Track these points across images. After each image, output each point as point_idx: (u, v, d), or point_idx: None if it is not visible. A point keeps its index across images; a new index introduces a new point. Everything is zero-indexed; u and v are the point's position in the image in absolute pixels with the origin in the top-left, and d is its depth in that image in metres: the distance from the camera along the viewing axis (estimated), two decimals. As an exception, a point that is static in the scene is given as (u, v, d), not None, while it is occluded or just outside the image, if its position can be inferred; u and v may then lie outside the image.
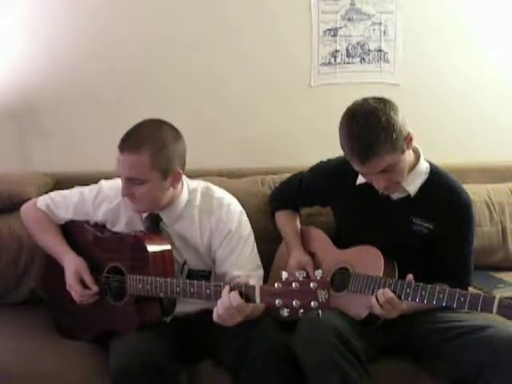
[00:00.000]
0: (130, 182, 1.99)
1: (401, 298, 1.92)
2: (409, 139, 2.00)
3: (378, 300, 1.92)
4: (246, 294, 1.75)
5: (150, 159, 1.96)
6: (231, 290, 1.78)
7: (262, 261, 2.19)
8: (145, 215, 2.12)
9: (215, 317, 1.82)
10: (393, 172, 1.99)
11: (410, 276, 1.92)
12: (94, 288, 2.05)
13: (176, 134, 2.04)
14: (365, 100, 2.00)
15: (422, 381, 2.07)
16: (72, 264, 2.09)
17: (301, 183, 2.43)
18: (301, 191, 2.43)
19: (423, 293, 1.89)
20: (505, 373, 1.87)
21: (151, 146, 1.96)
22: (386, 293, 1.91)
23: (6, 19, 2.67)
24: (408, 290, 1.91)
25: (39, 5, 2.68)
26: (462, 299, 1.83)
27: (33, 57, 2.70)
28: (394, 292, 1.92)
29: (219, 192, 2.20)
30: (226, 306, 1.77)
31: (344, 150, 2.01)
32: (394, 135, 1.92)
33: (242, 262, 2.10)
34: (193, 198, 2.13)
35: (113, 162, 2.54)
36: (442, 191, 2.09)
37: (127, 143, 1.97)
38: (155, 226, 2.11)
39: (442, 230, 2.08)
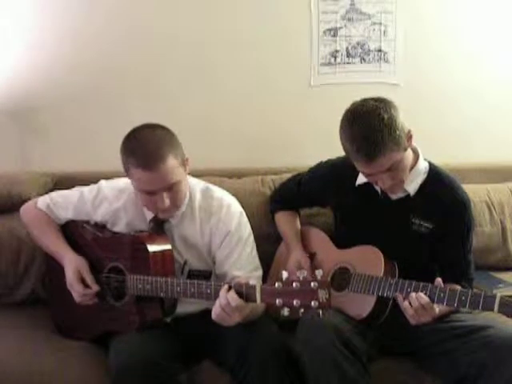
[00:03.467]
0: (170, 189, 1.97)
1: (433, 302, 1.89)
2: (409, 137, 2.00)
3: (410, 304, 1.89)
4: (247, 293, 1.75)
5: (175, 156, 1.96)
6: (229, 289, 1.78)
7: (261, 261, 2.19)
8: (150, 217, 2.12)
9: (213, 316, 1.83)
10: (397, 170, 1.99)
11: (438, 279, 1.91)
12: (95, 287, 2.05)
13: (162, 126, 2.04)
14: (364, 100, 2.01)
15: (422, 381, 2.06)
16: (72, 263, 2.08)
17: (300, 184, 2.44)
18: (300, 192, 2.43)
19: (424, 292, 1.88)
20: (505, 373, 1.87)
21: (169, 148, 1.95)
22: (420, 297, 1.88)
23: (5, 19, 2.67)
24: (442, 295, 1.87)
25: (39, 5, 2.69)
26: (464, 298, 1.83)
27: (32, 57, 2.71)
28: (428, 296, 1.89)
29: (219, 192, 2.20)
30: (223, 305, 1.78)
31: (348, 153, 2.01)
32: (397, 132, 1.93)
33: (241, 262, 2.10)
34: (193, 197, 2.14)
35: (113, 162, 2.55)
36: (441, 191, 2.09)
37: (151, 159, 1.92)
38: (159, 227, 2.10)
39: (441, 230, 2.08)
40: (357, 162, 2.00)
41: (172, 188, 1.97)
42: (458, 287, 1.94)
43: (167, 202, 1.97)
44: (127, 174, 2.00)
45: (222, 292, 1.79)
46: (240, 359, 1.96)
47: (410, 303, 1.89)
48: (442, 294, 1.86)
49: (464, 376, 1.95)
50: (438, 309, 1.90)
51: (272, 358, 1.95)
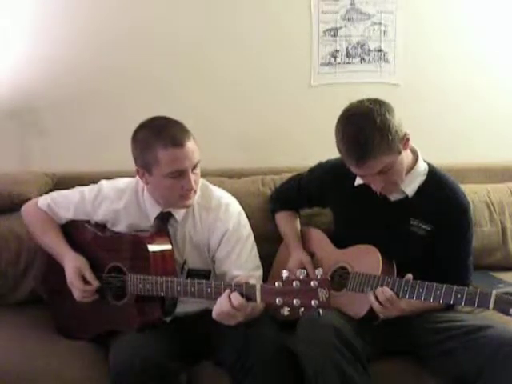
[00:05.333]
0: (193, 170, 2.02)
1: (399, 296, 1.93)
2: (405, 140, 1.99)
3: (377, 298, 1.93)
4: (247, 293, 1.76)
5: (194, 139, 2.03)
6: (231, 292, 1.79)
7: (262, 261, 2.19)
8: (155, 215, 2.13)
9: (214, 315, 1.84)
10: (390, 173, 1.99)
11: (408, 275, 1.93)
12: (95, 283, 2.06)
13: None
14: (360, 102, 2.00)
15: (422, 381, 2.06)
16: (72, 262, 2.09)
17: (300, 184, 2.44)
18: (300, 192, 2.43)
19: (420, 290, 1.90)
20: (504, 373, 1.87)
21: (186, 129, 2.04)
22: (385, 291, 1.92)
23: (5, 19, 2.67)
24: (406, 288, 1.92)
25: (39, 4, 2.69)
26: (459, 295, 1.84)
27: (33, 57, 2.71)
28: (393, 290, 1.93)
29: (218, 191, 2.21)
30: (226, 307, 1.78)
31: (340, 153, 2.02)
32: (390, 136, 1.92)
33: (241, 262, 2.10)
34: None
35: (113, 162, 2.56)
36: (440, 193, 2.09)
37: (177, 137, 1.98)
38: (164, 225, 2.11)
39: (440, 232, 2.07)
40: (348, 163, 2.00)
41: (195, 168, 2.02)
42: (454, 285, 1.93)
43: (194, 182, 2.01)
44: (150, 165, 2.00)
45: (225, 294, 1.79)
46: (240, 359, 1.95)
47: (376, 297, 1.93)
48: (438, 292, 1.87)
49: (464, 376, 1.94)
50: (403, 302, 1.94)
51: (272, 357, 1.95)
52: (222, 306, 1.80)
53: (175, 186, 2.01)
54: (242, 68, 2.86)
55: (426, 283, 1.90)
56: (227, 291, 1.80)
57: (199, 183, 2.10)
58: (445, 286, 1.87)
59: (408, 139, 2.01)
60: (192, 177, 2.01)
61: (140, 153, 2.02)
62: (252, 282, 1.82)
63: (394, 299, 1.92)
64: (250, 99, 2.88)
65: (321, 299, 1.62)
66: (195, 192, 2.07)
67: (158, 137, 1.98)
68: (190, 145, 1.99)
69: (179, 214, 2.12)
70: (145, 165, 2.02)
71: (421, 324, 2.05)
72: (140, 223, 2.15)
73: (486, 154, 2.95)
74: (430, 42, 2.94)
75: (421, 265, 2.06)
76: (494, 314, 1.87)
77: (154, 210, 2.13)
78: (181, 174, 1.99)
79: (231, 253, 2.10)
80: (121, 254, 2.07)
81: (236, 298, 1.76)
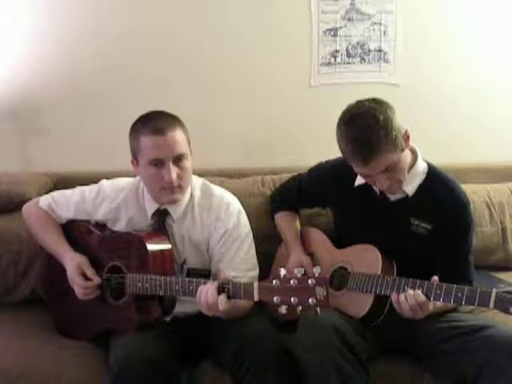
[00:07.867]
0: (177, 162, 2.01)
1: (430, 299, 1.89)
2: (406, 137, 2.00)
3: (406, 299, 1.90)
4: (245, 291, 1.76)
5: (184, 133, 2.05)
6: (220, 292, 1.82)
7: (261, 261, 2.19)
8: (152, 211, 2.13)
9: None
10: (394, 171, 1.99)
11: (434, 277, 1.91)
12: (96, 279, 2.06)
13: None
14: (359, 102, 2.01)
15: (422, 381, 2.06)
16: (73, 260, 2.09)
17: (300, 184, 2.44)
18: (300, 192, 2.43)
19: (438, 291, 1.87)
20: (504, 373, 1.86)
21: (179, 123, 2.05)
22: (417, 295, 1.88)
23: (5, 19, 2.68)
24: (438, 292, 1.88)
25: (39, 4, 2.69)
26: (460, 294, 1.83)
27: (33, 56, 2.71)
28: (424, 293, 1.89)
29: (218, 190, 2.21)
30: (200, 301, 1.83)
31: (344, 154, 2.01)
32: (394, 133, 1.93)
33: (236, 262, 2.10)
34: (193, 194, 2.15)
35: (113, 161, 2.56)
36: (440, 192, 2.09)
37: (160, 126, 2.00)
38: (161, 223, 2.12)
39: (440, 231, 2.07)
40: (353, 164, 2.00)
41: (179, 161, 2.02)
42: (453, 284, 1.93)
43: (174, 174, 2.00)
44: (137, 153, 2.04)
45: (205, 287, 1.84)
46: (239, 359, 1.95)
47: (406, 298, 1.90)
48: (438, 291, 1.87)
49: (464, 376, 1.94)
50: (431, 307, 1.91)
51: (271, 358, 1.94)
52: (200, 296, 1.85)
53: (157, 176, 2.02)
54: (242, 68, 2.86)
55: (426, 282, 1.88)
56: (208, 285, 1.83)
57: (188, 180, 2.09)
58: (445, 285, 1.87)
59: (408, 136, 2.01)
60: (173, 169, 2.00)
61: (130, 141, 2.07)
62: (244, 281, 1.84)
63: (426, 304, 1.89)
64: (249, 99, 2.88)
65: (318, 297, 1.61)
66: (180, 187, 2.06)
67: (144, 125, 2.02)
68: (173, 135, 2.00)
69: (176, 212, 2.12)
70: (133, 153, 2.06)
71: (421, 324, 2.03)
72: (139, 219, 2.15)
73: (486, 153, 2.94)
74: (430, 42, 2.93)
75: (421, 264, 2.07)
76: (496, 314, 1.87)
77: (151, 207, 2.14)
78: (161, 164, 2.00)
79: (227, 252, 2.10)
80: (120, 254, 2.07)
81: (212, 295, 1.80)
